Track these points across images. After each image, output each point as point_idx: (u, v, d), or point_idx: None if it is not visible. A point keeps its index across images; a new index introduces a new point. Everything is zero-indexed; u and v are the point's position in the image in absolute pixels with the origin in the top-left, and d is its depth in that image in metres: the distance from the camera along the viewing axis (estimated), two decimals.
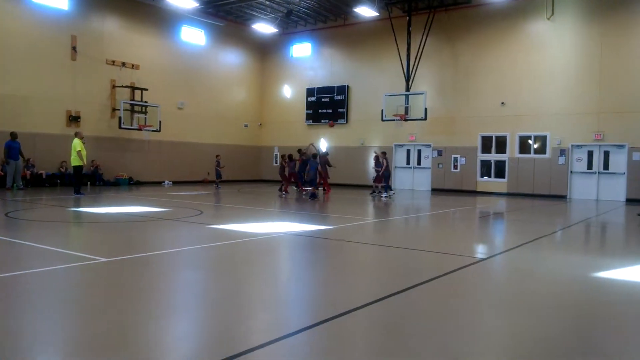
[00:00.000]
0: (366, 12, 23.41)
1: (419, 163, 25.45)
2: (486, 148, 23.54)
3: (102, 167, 22.48)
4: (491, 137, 23.34)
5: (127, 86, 23.35)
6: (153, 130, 23.75)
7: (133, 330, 4.03)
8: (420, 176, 25.35)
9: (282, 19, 27.10)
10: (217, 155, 23.47)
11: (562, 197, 21.30)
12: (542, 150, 22.22)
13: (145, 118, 23.70)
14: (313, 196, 17.83)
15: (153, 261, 6.80)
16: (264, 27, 27.03)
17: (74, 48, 21.50)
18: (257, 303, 5.04)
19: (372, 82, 26.21)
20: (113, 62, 22.99)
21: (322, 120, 28.00)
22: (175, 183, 24.94)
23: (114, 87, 23.05)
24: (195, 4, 22.92)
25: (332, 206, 15.49)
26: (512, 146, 22.81)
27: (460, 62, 24.03)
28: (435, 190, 24.42)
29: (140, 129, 23.37)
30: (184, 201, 15.80)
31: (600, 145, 20.97)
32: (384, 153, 20.24)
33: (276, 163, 30.04)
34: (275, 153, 30.17)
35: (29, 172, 19.79)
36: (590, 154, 21.26)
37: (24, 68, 20.05)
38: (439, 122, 24.24)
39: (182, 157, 26.00)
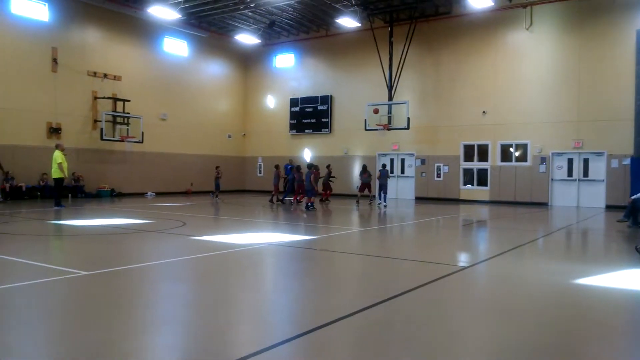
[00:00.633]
0: (348, 22, 23.58)
1: (402, 172, 25.60)
2: (468, 156, 23.77)
3: (84, 179, 22.22)
4: (473, 145, 23.58)
5: (109, 97, 23.17)
6: (135, 142, 23.56)
7: (115, 344, 3.97)
8: (404, 185, 25.49)
9: (265, 30, 27.17)
10: (217, 167, 23.47)
11: (543, 204, 21.56)
12: (523, 158, 22.50)
13: (128, 129, 23.53)
14: (309, 206, 17.60)
15: (135, 274, 6.73)
16: (247, 38, 27.08)
17: (54, 60, 21.30)
18: (241, 314, 5.02)
19: (355, 91, 26.36)
20: (95, 73, 22.82)
21: (306, 130, 28.06)
22: (158, 194, 24.73)
23: (95, 98, 22.86)
24: (178, 15, 22.88)
25: (316, 216, 15.49)
26: (494, 154, 23.07)
27: (441, 71, 24.29)
28: (418, 199, 24.56)
29: (122, 141, 23.18)
30: (166, 212, 15.68)
31: (580, 153, 21.30)
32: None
33: (260, 173, 30.04)
34: (259, 163, 30.14)
35: (8, 185, 19.50)
36: (570, 162, 21.57)
37: (3, 80, 19.79)
38: (422, 131, 24.44)
39: (164, 168, 25.82)
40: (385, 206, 19.42)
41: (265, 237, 10.31)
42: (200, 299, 5.61)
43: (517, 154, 22.70)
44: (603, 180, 20.79)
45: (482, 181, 23.41)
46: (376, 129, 23.98)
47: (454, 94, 23.92)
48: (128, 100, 23.65)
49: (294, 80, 28.82)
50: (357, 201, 21.02)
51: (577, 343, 4.29)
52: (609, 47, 20.58)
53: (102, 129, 22.43)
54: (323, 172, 21.52)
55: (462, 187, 23.86)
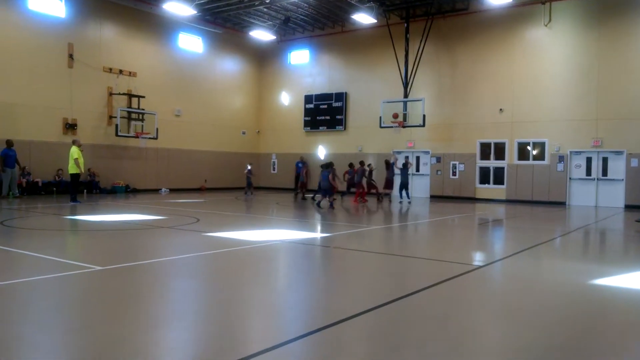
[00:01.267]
0: (364, 19, 23.42)
1: (417, 170, 25.40)
2: (485, 155, 23.50)
3: (99, 174, 22.38)
4: (490, 143, 23.31)
5: (124, 94, 23.29)
6: (150, 138, 23.67)
7: (128, 339, 3.93)
8: (419, 183, 25.29)
9: (280, 26, 27.11)
10: (249, 163, 23.68)
11: (561, 204, 21.24)
12: (540, 156, 22.18)
13: (142, 125, 23.64)
14: (330, 206, 16.81)
15: (148, 269, 6.70)
16: (261, 34, 27.03)
17: (70, 56, 21.45)
18: (254, 311, 4.95)
19: (370, 88, 26.20)
20: (110, 69, 22.95)
21: (320, 127, 27.97)
22: (172, 190, 24.83)
23: (110, 94, 22.98)
24: (193, 12, 22.91)
25: (330, 213, 15.39)
26: (511, 153, 22.78)
27: (458, 68, 24.04)
28: (434, 197, 24.35)
29: (137, 137, 23.29)
30: (180, 209, 15.70)
31: (598, 152, 20.94)
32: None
33: (274, 170, 30.02)
34: (273, 160, 30.11)
35: (24, 180, 19.68)
36: (589, 160, 21.22)
37: (20, 76, 19.98)
38: (438, 128, 24.22)
39: (179, 164, 25.91)
40: (409, 202, 19.63)
41: (278, 234, 10.25)
42: (213, 295, 5.56)
43: (534, 152, 22.40)
44: (622, 179, 20.42)
45: (499, 180, 23.13)
46: (391, 126, 23.81)
47: (471, 91, 23.66)
48: (143, 97, 23.74)
49: (309, 77, 28.73)
50: (379, 199, 20.96)
51: (594, 344, 4.15)
52: (629, 43, 20.19)
53: (117, 125, 22.55)
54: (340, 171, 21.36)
55: (478, 185, 23.61)
